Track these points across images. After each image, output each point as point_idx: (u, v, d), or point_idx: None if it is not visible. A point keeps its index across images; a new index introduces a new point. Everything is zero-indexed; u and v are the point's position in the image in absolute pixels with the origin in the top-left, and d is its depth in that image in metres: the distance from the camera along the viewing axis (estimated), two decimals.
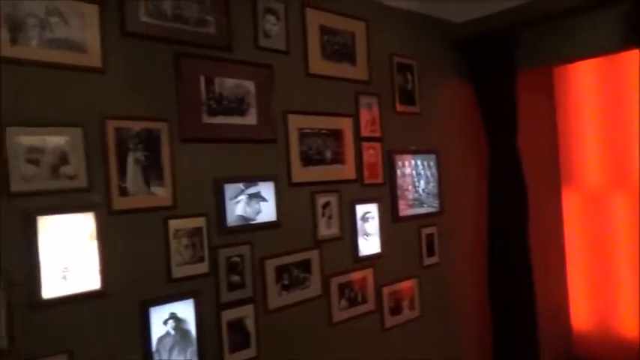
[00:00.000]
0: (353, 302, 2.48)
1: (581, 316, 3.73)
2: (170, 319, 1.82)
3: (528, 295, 3.04)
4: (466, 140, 3.18)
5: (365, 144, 2.60)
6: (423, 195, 2.90)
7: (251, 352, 2.05)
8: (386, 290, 2.64)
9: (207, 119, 1.98)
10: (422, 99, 2.91)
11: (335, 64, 2.47)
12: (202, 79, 1.97)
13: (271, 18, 2.22)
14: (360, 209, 2.54)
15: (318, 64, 2.40)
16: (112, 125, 1.72)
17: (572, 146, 3.74)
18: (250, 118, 2.12)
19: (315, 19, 2.39)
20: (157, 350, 1.77)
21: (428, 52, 2.96)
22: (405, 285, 2.75)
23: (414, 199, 2.84)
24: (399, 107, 2.79)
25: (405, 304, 2.75)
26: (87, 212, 1.64)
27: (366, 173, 2.59)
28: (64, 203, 1.60)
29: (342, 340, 2.41)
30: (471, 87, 3.16)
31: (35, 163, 1.55)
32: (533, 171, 3.19)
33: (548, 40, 2.92)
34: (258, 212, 2.11)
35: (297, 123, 2.29)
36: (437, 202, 2.97)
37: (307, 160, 2.32)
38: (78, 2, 1.66)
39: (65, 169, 1.61)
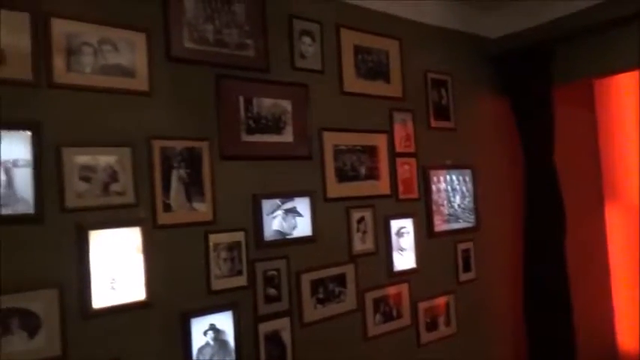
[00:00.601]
0: (388, 317, 2.49)
1: (628, 336, 3.59)
2: (210, 330, 1.89)
3: (565, 315, 2.96)
4: (502, 155, 3.15)
5: (400, 159, 2.63)
6: (459, 210, 2.89)
7: None
8: (422, 306, 2.64)
9: (245, 137, 2.07)
10: (456, 114, 2.92)
11: (369, 82, 2.53)
12: (241, 100, 2.06)
13: (307, 39, 2.30)
14: (395, 224, 2.56)
15: (353, 83, 2.46)
16: (157, 145, 1.82)
17: (614, 160, 3.65)
18: (287, 136, 2.19)
19: (349, 38, 2.46)
20: (197, 359, 1.84)
21: (462, 68, 2.97)
22: (441, 301, 2.74)
23: (450, 215, 2.83)
24: (434, 123, 2.81)
25: (441, 320, 2.73)
26: (134, 227, 1.74)
27: (400, 188, 2.61)
28: (114, 218, 1.70)
29: (377, 354, 2.42)
30: (506, 101, 3.14)
31: (88, 180, 1.67)
32: (573, 186, 3.13)
33: (585, 54, 2.88)
34: (294, 227, 2.17)
35: (332, 140, 2.35)
36: (473, 217, 2.95)
37: (342, 176, 2.37)
38: (127, 31, 1.79)
39: (115, 187, 1.72)
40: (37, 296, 1.54)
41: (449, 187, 2.85)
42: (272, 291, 2.08)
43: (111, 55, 1.75)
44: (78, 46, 1.69)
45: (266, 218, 2.08)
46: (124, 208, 1.73)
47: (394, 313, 2.52)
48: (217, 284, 1.93)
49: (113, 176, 1.72)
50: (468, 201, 2.94)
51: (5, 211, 1.50)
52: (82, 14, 1.69)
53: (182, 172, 1.88)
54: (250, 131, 2.08)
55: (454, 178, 2.88)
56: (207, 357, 1.88)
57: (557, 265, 2.98)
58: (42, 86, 1.60)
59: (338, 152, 2.36)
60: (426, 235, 2.70)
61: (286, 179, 2.18)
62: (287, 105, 2.20)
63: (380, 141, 2.55)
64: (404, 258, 2.58)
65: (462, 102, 2.95)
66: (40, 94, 1.59)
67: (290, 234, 2.16)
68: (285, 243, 2.13)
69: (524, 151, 3.12)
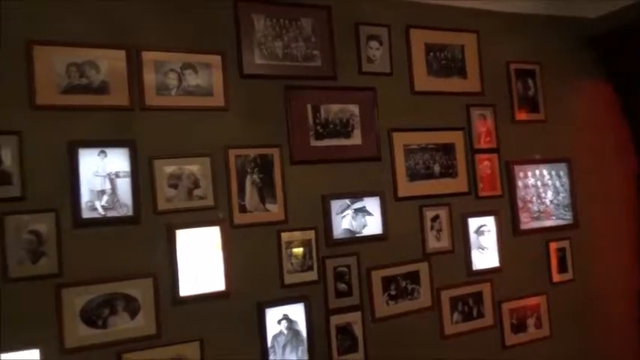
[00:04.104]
0: (467, 316, 2.46)
1: None
2: (283, 319, 2.07)
3: None
4: (605, 145, 2.88)
5: (479, 156, 2.57)
6: (551, 207, 2.72)
7: (359, 356, 2.20)
8: (506, 306, 2.55)
9: (314, 143, 2.22)
10: (547, 105, 2.75)
11: (442, 79, 2.51)
12: (309, 108, 2.22)
13: (374, 44, 2.37)
14: (474, 222, 2.51)
15: (424, 82, 2.47)
16: (233, 153, 2.06)
17: None
18: (355, 139, 2.29)
19: (419, 38, 2.47)
20: (272, 346, 2.04)
21: (553, 55, 2.78)
22: (530, 302, 2.62)
23: (540, 212, 2.68)
24: (519, 115, 2.68)
25: (531, 322, 2.61)
26: (214, 226, 1.99)
27: (480, 185, 2.55)
28: (196, 219, 1.97)
29: (455, 353, 2.41)
30: (609, 87, 2.86)
31: (175, 187, 1.96)
32: None
33: None
34: (364, 226, 2.27)
35: (402, 140, 2.39)
36: (569, 214, 2.75)
37: (414, 175, 2.40)
38: (205, 55, 2.05)
39: (197, 192, 1.99)
40: (136, 284, 1.86)
41: (538, 183, 2.70)
42: (342, 286, 2.20)
43: (192, 78, 2.03)
44: (164, 72, 1.98)
45: (335, 217, 2.21)
46: (205, 210, 1.99)
47: (474, 312, 2.48)
48: (289, 278, 2.11)
49: (196, 183, 1.99)
50: (563, 197, 2.75)
51: (111, 214, 1.84)
52: (166, 45, 1.98)
53: (255, 176, 2.09)
54: (319, 136, 2.23)
55: (545, 172, 2.72)
56: (282, 344, 2.07)
57: None
58: (136, 109, 1.92)
59: (409, 152, 2.40)
60: (511, 233, 2.60)
61: (355, 180, 2.28)
62: (354, 109, 2.30)
63: (456, 138, 2.52)
64: (485, 257, 2.52)
65: (554, 91, 2.77)
66: (134, 116, 1.91)
67: (360, 232, 2.26)
68: (355, 241, 2.24)
69: (634, 139, 2.82)
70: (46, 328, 1.72)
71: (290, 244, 2.12)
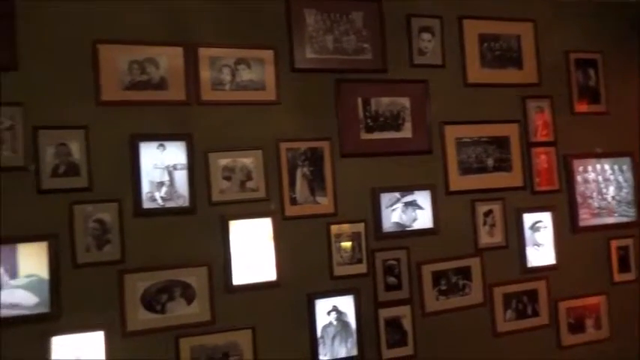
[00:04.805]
0: (521, 314, 2.39)
1: None
2: (332, 310, 2.10)
3: None
4: None
5: (535, 149, 2.49)
6: (613, 203, 2.59)
7: (408, 350, 2.19)
8: (563, 305, 2.46)
9: (364, 136, 2.22)
10: (609, 96, 2.62)
11: (497, 70, 2.45)
12: (360, 101, 2.22)
13: (426, 36, 2.34)
14: (529, 218, 2.43)
15: (478, 73, 2.41)
16: (284, 147, 2.10)
17: None
18: (405, 132, 2.28)
19: (473, 28, 2.41)
20: (322, 336, 2.07)
21: (616, 43, 2.65)
22: (589, 301, 2.51)
23: (601, 208, 2.56)
24: (579, 107, 2.57)
25: (590, 322, 2.50)
26: (266, 218, 2.04)
27: (536, 180, 2.47)
28: (249, 210, 2.02)
29: (508, 351, 2.35)
30: None
31: (228, 179, 2.02)
32: None
33: None
34: (414, 219, 2.25)
35: (454, 133, 2.35)
36: (632, 210, 2.62)
37: (466, 169, 2.36)
38: (258, 50, 2.09)
39: (250, 184, 2.04)
40: (192, 272, 1.93)
41: (599, 178, 2.58)
42: (392, 279, 2.20)
43: (245, 73, 2.08)
44: (219, 68, 2.04)
45: (385, 211, 2.21)
46: (257, 202, 2.04)
47: (529, 310, 2.41)
48: (339, 270, 2.13)
49: (248, 175, 2.04)
50: (626, 192, 2.62)
51: (169, 205, 1.93)
52: (221, 41, 2.04)
53: (306, 169, 2.12)
54: (369, 130, 2.23)
55: (607, 167, 2.60)
56: (331, 335, 2.09)
57: None
58: (192, 104, 1.99)
59: (461, 145, 2.36)
60: (569, 230, 2.51)
61: (406, 173, 2.26)
62: (405, 102, 2.28)
63: (511, 131, 2.45)
64: (540, 254, 2.44)
65: (616, 81, 2.64)
66: (191, 111, 1.99)
67: (410, 226, 2.24)
68: (404, 234, 2.23)
69: None
70: (110, 312, 1.82)
71: (339, 237, 2.13)
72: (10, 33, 1.76)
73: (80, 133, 1.84)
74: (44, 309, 1.74)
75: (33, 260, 1.75)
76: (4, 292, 1.70)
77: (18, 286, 1.73)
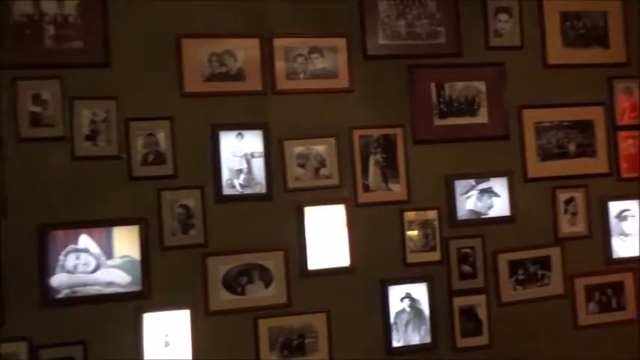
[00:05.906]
0: (605, 307, 2.28)
1: None
2: (405, 297, 2.10)
3: None
4: None
5: (622, 133, 2.34)
6: None
7: (483, 339, 2.15)
8: None
9: (438, 122, 2.18)
10: None
11: (580, 50, 2.32)
12: (433, 86, 2.18)
13: (503, 16, 2.25)
14: (615, 206, 2.30)
15: (559, 54, 2.29)
16: (357, 134, 2.11)
17: None
18: (481, 117, 2.22)
19: (554, 6, 2.29)
20: (395, 323, 2.08)
21: None
22: None
23: None
24: None
25: None
26: (339, 204, 2.07)
27: (623, 166, 2.33)
28: (323, 197, 2.06)
29: (590, 345, 2.24)
30: None
31: (303, 166, 2.06)
32: None
33: None
34: (490, 207, 2.19)
35: (533, 117, 2.26)
36: None
37: (546, 155, 2.26)
38: (331, 38, 2.11)
39: (323, 171, 2.08)
40: (269, 256, 2.01)
41: None
42: (466, 268, 2.16)
43: (318, 61, 2.10)
44: (293, 57, 2.08)
45: (459, 198, 2.17)
46: (330, 188, 2.07)
47: (613, 303, 2.28)
48: (412, 258, 2.12)
49: (322, 162, 2.08)
50: None
51: (247, 191, 2.00)
52: (295, 31, 2.07)
53: (379, 156, 2.12)
54: (443, 115, 2.19)
55: None
56: (404, 322, 2.10)
57: None
58: (268, 94, 2.04)
59: (540, 130, 2.26)
60: None
61: (481, 160, 2.21)
62: (481, 86, 2.22)
63: (595, 114, 2.32)
64: (627, 244, 2.30)
65: None
66: (267, 101, 2.04)
67: (485, 214, 2.19)
68: (480, 222, 2.18)
69: None
70: (195, 292, 1.94)
71: (412, 224, 2.13)
72: (106, 33, 1.90)
73: (166, 124, 1.95)
74: (137, 287, 1.88)
75: (126, 242, 1.89)
76: (102, 271, 1.86)
77: (114, 266, 1.88)
